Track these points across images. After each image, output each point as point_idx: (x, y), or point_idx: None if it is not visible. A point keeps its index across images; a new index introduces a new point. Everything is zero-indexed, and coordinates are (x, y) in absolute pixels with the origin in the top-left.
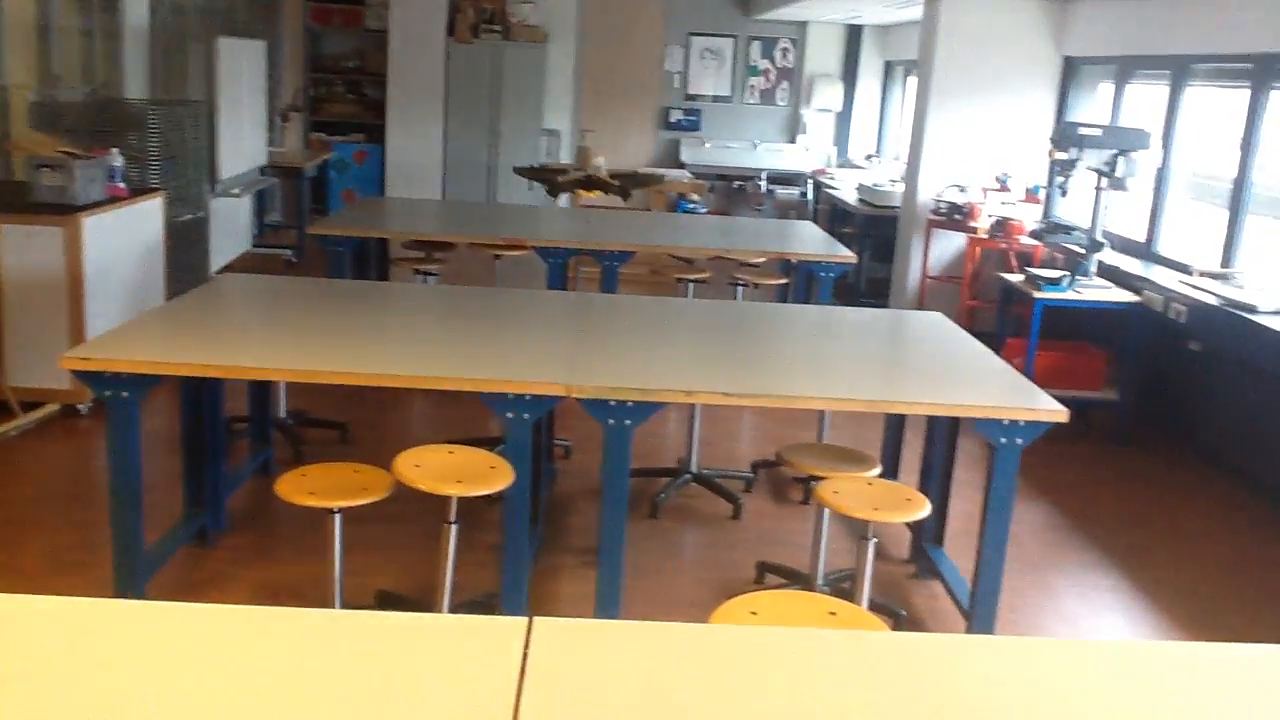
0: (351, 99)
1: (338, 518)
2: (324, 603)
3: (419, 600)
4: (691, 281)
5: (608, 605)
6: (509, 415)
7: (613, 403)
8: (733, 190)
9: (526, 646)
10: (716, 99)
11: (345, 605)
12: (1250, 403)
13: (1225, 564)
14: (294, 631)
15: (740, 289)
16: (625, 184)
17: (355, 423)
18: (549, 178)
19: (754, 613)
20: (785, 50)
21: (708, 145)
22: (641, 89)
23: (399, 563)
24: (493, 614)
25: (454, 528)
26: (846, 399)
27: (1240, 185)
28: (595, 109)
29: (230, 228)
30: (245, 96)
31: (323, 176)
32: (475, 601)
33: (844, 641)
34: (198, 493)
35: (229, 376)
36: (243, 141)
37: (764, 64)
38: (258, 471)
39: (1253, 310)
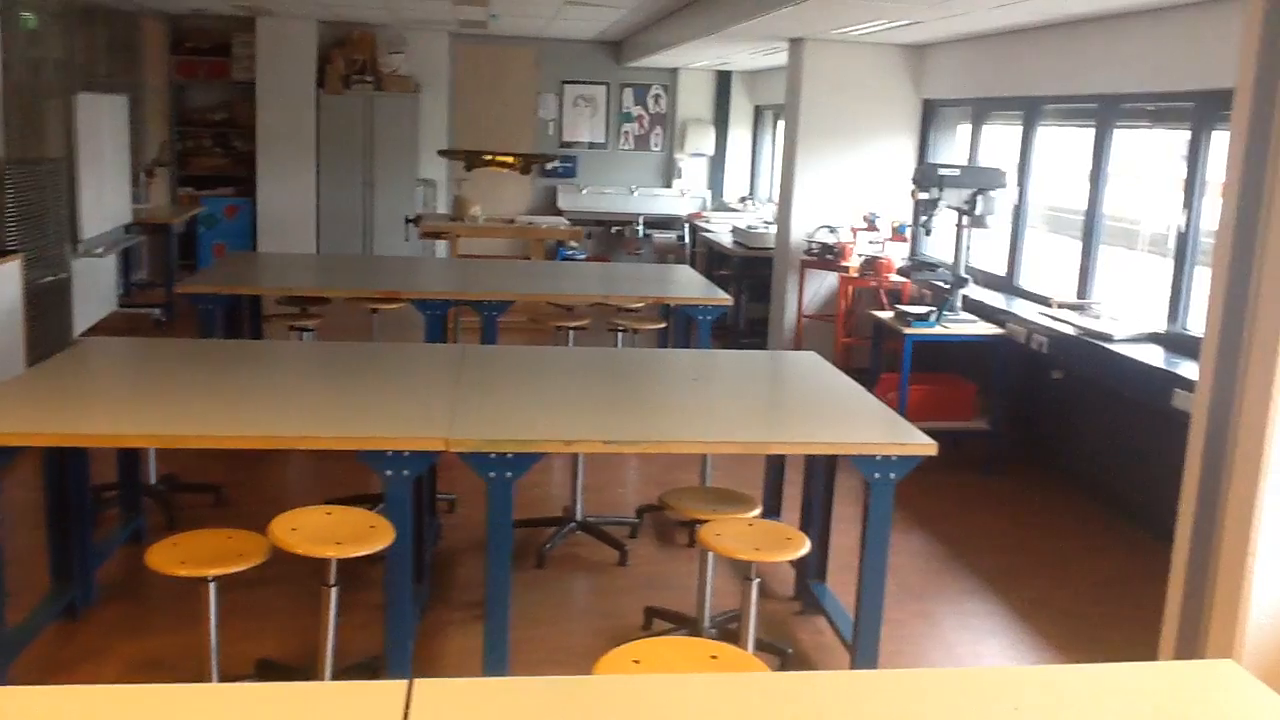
0: (220, 152)
1: (212, 587)
2: (200, 675)
3: (301, 668)
4: (571, 329)
5: (495, 660)
6: (388, 473)
7: (492, 455)
8: (611, 235)
9: (406, 711)
10: (592, 145)
11: (223, 677)
12: (1110, 427)
13: (1098, 583)
14: (168, 709)
15: (620, 334)
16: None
17: (231, 485)
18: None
19: (636, 661)
20: (657, 96)
21: (584, 191)
22: (516, 137)
23: (280, 629)
24: (377, 677)
25: (334, 590)
26: (725, 441)
27: (1091, 218)
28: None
29: (94, 288)
30: (107, 153)
31: (192, 232)
32: (359, 665)
33: (725, 685)
34: (64, 566)
35: (93, 445)
36: (105, 199)
37: (637, 110)
38: (128, 541)
39: (1108, 339)
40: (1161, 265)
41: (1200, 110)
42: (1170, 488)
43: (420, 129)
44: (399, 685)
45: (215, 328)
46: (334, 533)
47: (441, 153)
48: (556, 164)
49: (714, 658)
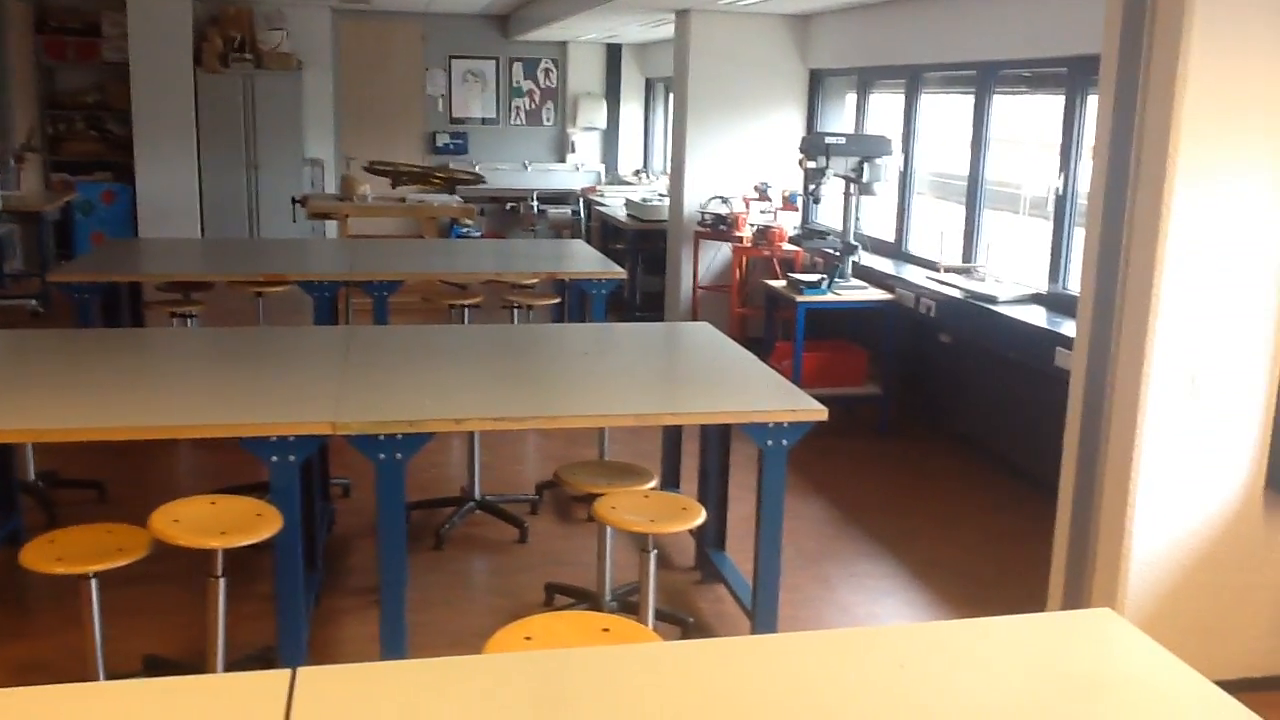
0: (94, 136)
1: (93, 583)
2: (85, 676)
3: (191, 662)
4: (465, 307)
5: (392, 645)
6: (273, 459)
7: (381, 437)
8: (505, 212)
9: (290, 699)
10: (484, 121)
11: (109, 676)
12: (998, 387)
13: (989, 540)
14: (52, 710)
15: (515, 311)
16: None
17: (114, 480)
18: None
19: (528, 638)
20: (548, 71)
21: (477, 168)
22: (405, 114)
23: (168, 625)
24: (271, 668)
25: (222, 582)
26: (619, 414)
27: (974, 184)
28: (358, 136)
29: None
30: None
31: (67, 220)
32: (252, 657)
33: (616, 657)
34: None
35: None
36: None
37: (528, 85)
38: (5, 542)
39: (993, 301)
40: (1043, 228)
41: (1073, 75)
42: (1056, 445)
43: (305, 107)
44: (283, 674)
45: (93, 317)
46: (218, 523)
47: (369, 167)
48: (448, 140)
49: (606, 630)
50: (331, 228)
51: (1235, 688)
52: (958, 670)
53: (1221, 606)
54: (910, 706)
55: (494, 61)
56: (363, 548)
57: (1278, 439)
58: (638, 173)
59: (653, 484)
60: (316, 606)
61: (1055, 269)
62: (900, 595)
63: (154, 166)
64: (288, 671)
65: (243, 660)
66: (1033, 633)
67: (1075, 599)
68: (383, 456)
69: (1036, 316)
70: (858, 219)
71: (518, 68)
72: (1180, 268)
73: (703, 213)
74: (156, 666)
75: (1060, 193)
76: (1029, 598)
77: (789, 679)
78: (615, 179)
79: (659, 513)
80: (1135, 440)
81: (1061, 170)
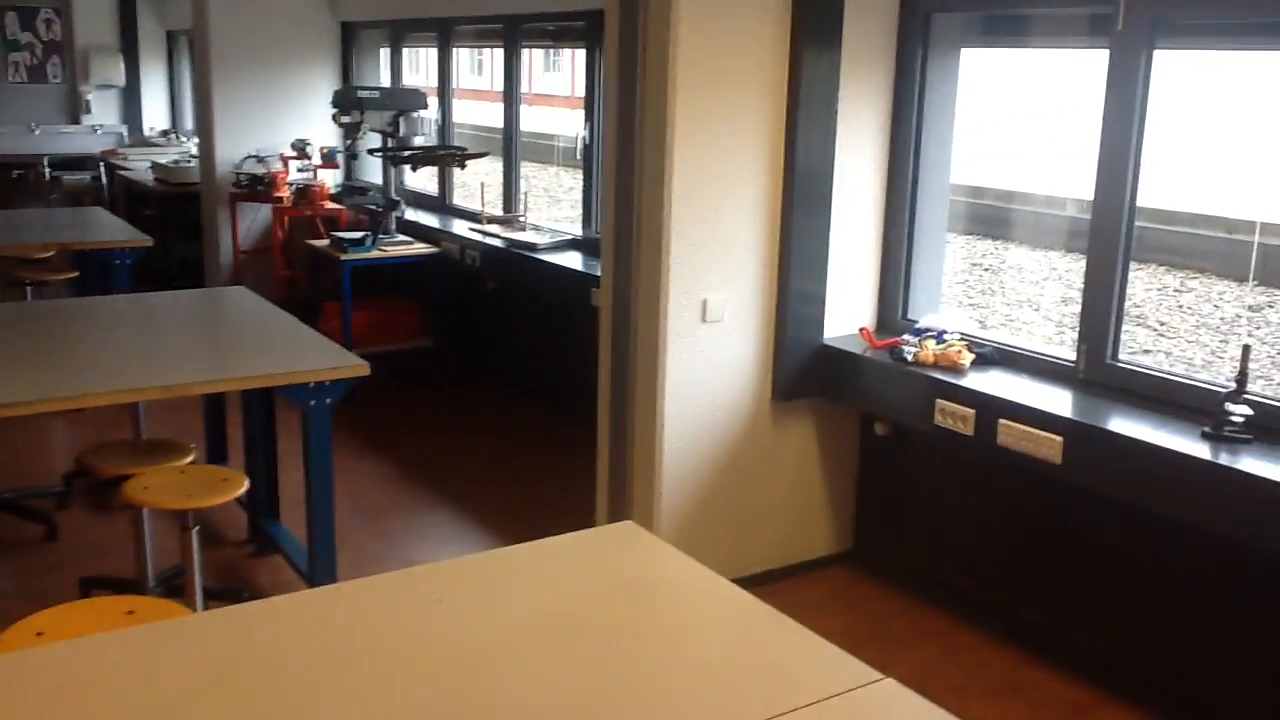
0: None
1: None
2: None
3: None
4: None
5: None
6: None
7: None
8: (13, 181)
9: None
10: None
11: None
12: (543, 331)
13: (543, 474)
14: None
15: (28, 288)
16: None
17: None
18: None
19: (40, 633)
20: (49, 22)
21: None
22: None
23: None
24: None
25: None
26: (144, 388)
27: (510, 136)
28: None
29: None
30: None
31: None
32: None
33: (141, 637)
34: None
35: None
36: None
37: (26, 37)
38: None
39: (534, 248)
40: (575, 177)
41: (590, 29)
42: (596, 380)
43: None
44: None
45: None
46: None
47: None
48: None
49: (130, 613)
50: None
51: (758, 581)
52: (493, 596)
53: (744, 510)
54: (445, 640)
55: None
56: None
57: (779, 356)
58: (166, 134)
59: (190, 459)
60: None
61: (587, 215)
62: (464, 541)
63: None
64: None
65: None
66: (561, 552)
67: (619, 518)
68: None
69: (573, 261)
70: (400, 174)
71: (12, 18)
72: (685, 206)
73: (238, 173)
74: None
75: (588, 142)
76: (586, 524)
77: (324, 631)
78: (140, 140)
79: (197, 487)
80: (659, 366)
81: (587, 121)
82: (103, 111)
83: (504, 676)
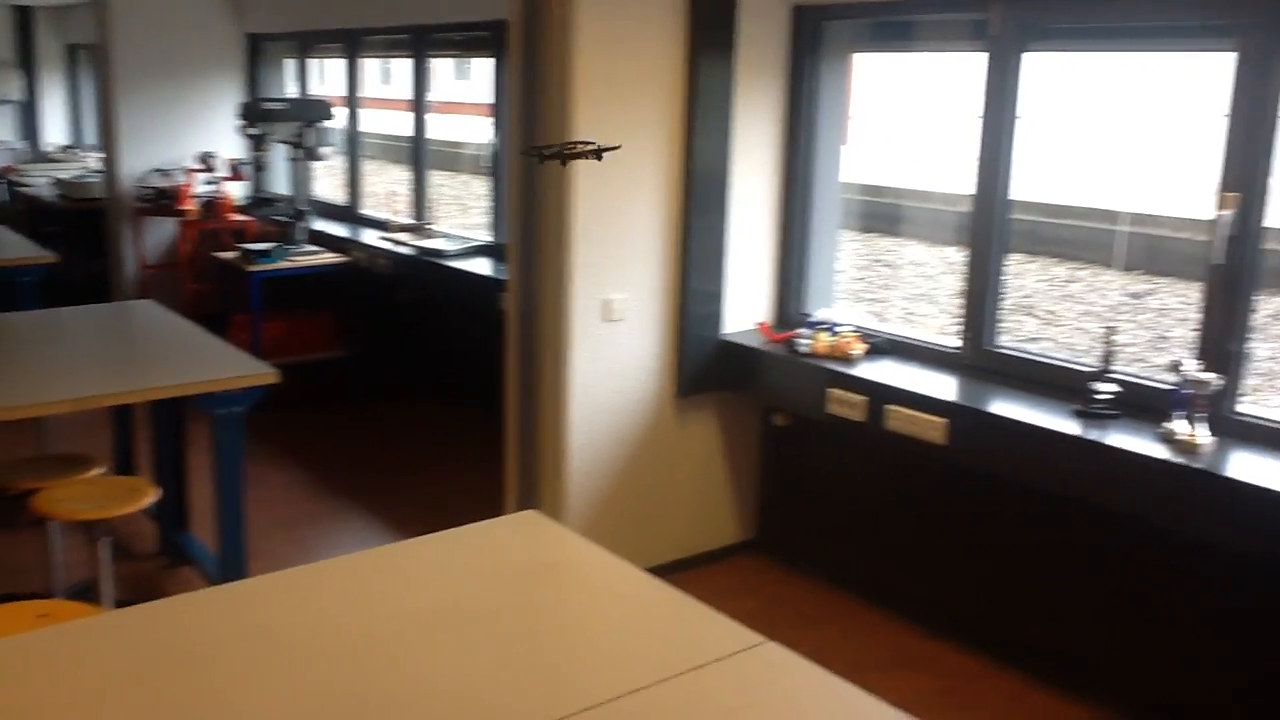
0: None
1: None
2: None
3: None
4: None
5: None
6: None
7: None
8: None
9: None
10: None
11: None
12: (454, 336)
13: (458, 472)
14: None
15: None
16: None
17: None
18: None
19: None
20: None
21: None
22: None
23: None
24: None
25: None
26: (49, 402)
27: (418, 145)
28: None
29: None
30: None
31: None
32: None
33: (52, 638)
34: None
35: None
36: None
37: None
38: None
39: (443, 255)
40: (483, 184)
41: (497, 39)
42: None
43: None
44: None
45: None
46: None
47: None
48: None
49: (43, 615)
50: None
51: (668, 570)
52: (399, 584)
53: (650, 502)
54: (353, 628)
55: None
56: None
57: (681, 352)
58: (68, 149)
59: (99, 471)
60: None
61: (496, 221)
62: (378, 543)
63: None
64: None
65: None
66: (466, 541)
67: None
68: None
69: (482, 266)
70: (308, 185)
71: None
72: (586, 210)
73: (142, 187)
74: None
75: (496, 150)
76: (493, 505)
77: (236, 623)
78: (40, 156)
79: (106, 498)
80: (564, 365)
81: (496, 129)
82: (2, 127)
83: (410, 659)
